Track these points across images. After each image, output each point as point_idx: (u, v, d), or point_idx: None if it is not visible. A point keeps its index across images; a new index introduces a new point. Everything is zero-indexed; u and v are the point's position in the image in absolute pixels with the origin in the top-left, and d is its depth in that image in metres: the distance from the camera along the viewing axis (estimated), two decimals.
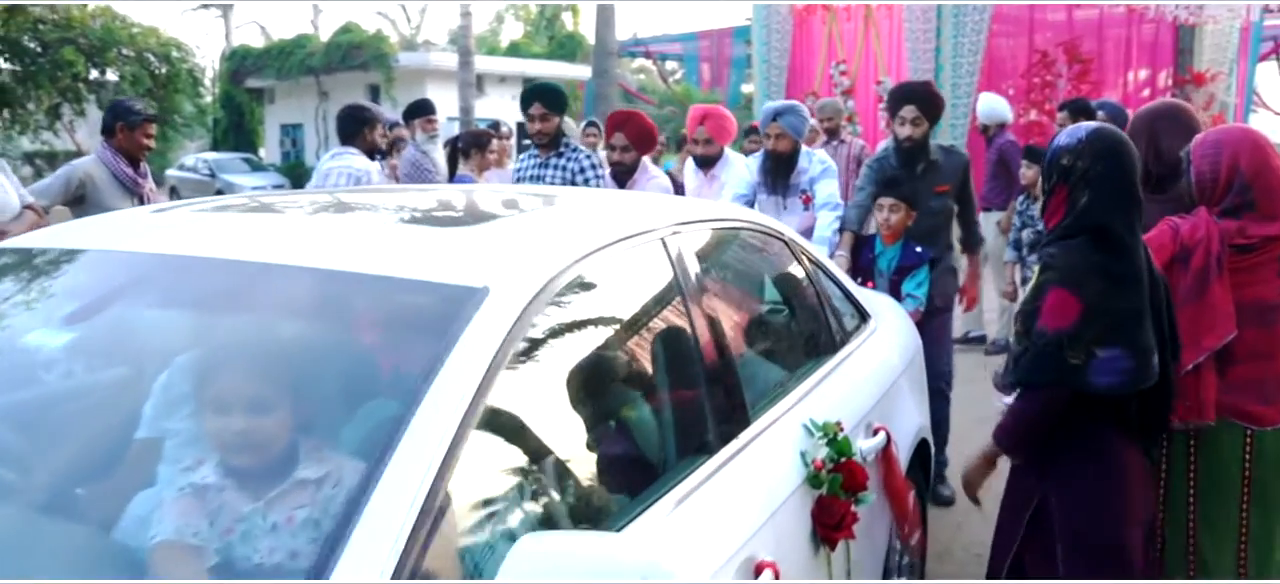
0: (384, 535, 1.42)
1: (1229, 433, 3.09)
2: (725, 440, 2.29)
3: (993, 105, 8.78)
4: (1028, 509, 2.80)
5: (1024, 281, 6.57)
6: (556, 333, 1.98)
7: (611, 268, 2.23)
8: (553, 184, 5.44)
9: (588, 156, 5.49)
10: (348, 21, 32.00)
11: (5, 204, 4.75)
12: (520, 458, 1.82)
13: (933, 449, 4.00)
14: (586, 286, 2.11)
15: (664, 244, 2.44)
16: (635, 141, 5.45)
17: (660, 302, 2.42)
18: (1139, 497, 2.78)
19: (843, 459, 2.55)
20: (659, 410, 2.31)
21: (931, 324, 4.98)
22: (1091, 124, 2.85)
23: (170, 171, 31.16)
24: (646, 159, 5.72)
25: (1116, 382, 2.60)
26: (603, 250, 2.20)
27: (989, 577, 3.00)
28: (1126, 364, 2.59)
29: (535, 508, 1.79)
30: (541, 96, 5.50)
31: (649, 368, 2.35)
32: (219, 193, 26.30)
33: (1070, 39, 13.09)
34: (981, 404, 6.56)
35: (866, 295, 3.97)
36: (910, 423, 3.54)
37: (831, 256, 4.84)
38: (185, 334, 2.06)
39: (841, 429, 2.62)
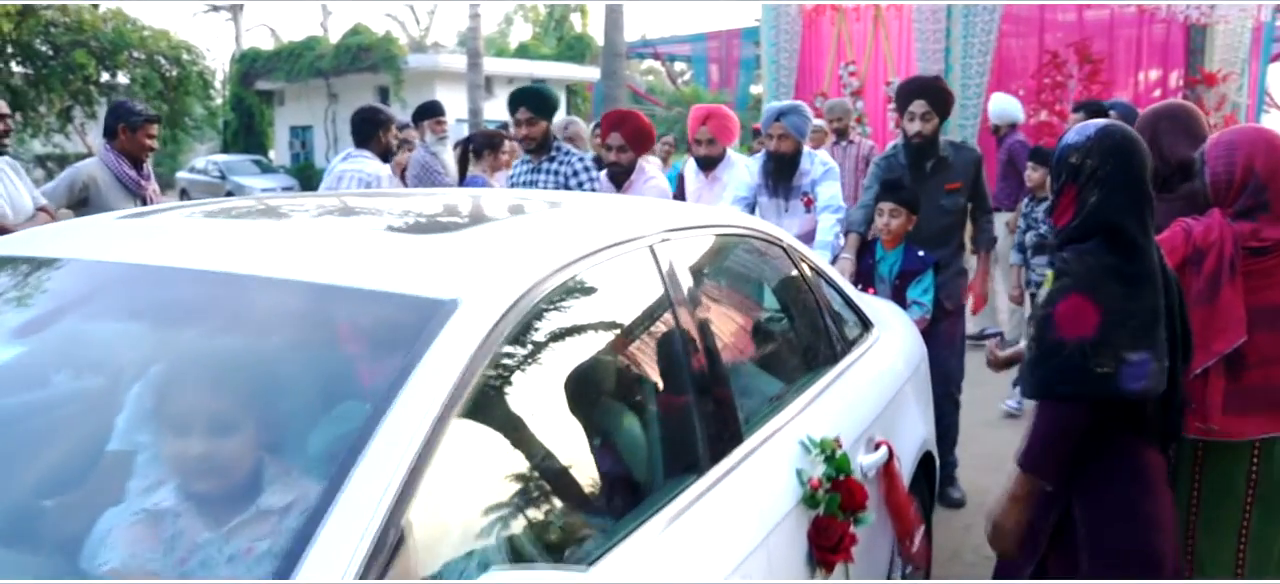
0: (337, 566, 1.33)
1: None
2: (716, 459, 2.18)
3: (1004, 105, 8.73)
4: (1050, 517, 2.66)
5: (1028, 285, 6.49)
6: (533, 347, 1.88)
7: (595, 278, 2.12)
8: (546, 189, 5.32)
9: (580, 158, 5.38)
10: (357, 23, 32.14)
11: (18, 206, 4.73)
12: (492, 481, 1.71)
13: (937, 461, 3.88)
14: (567, 298, 2.00)
15: (652, 252, 2.33)
16: (631, 141, 5.35)
17: (647, 313, 2.30)
18: (1166, 502, 2.67)
19: (841, 477, 2.45)
20: (645, 429, 2.19)
21: (941, 328, 4.88)
22: (1100, 121, 2.73)
23: (180, 174, 31.33)
24: (648, 160, 5.63)
25: (1148, 386, 2.49)
26: (585, 259, 2.09)
27: (995, 576, 2.90)
28: (1154, 366, 2.49)
29: (508, 535, 1.68)
30: (527, 100, 5.38)
31: (634, 384, 2.24)
32: (229, 195, 26.38)
33: (1081, 39, 13.00)
34: (990, 407, 6.54)
35: (870, 303, 3.85)
36: (914, 435, 3.43)
37: (834, 261, 4.75)
38: (140, 348, 1.95)
39: (840, 446, 2.51)
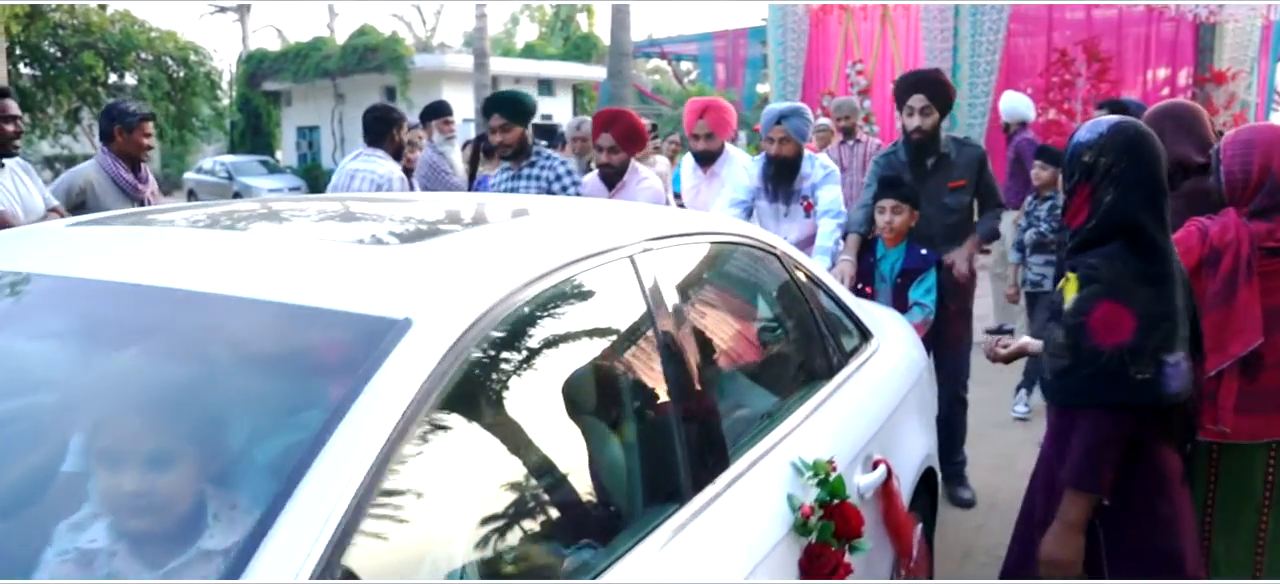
0: None
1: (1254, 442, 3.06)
2: (700, 486, 2.04)
3: (1015, 103, 8.76)
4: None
5: (1024, 283, 6.41)
6: (496, 371, 1.74)
7: (568, 293, 1.98)
8: (527, 195, 5.16)
9: (562, 163, 5.24)
10: (363, 24, 32.18)
11: (30, 207, 4.69)
12: (448, 518, 1.57)
13: (939, 476, 3.75)
14: (536, 316, 1.86)
15: (633, 263, 2.18)
16: (623, 142, 5.17)
17: (626, 330, 2.16)
18: (1184, 501, 2.63)
19: (835, 501, 2.30)
20: (621, 456, 2.04)
21: (947, 332, 4.76)
22: (1112, 117, 2.66)
23: (188, 174, 31.39)
24: (655, 160, 5.48)
25: (1184, 386, 2.45)
26: (557, 272, 1.94)
27: (1002, 576, 2.85)
28: (1186, 365, 2.46)
29: (467, 577, 1.55)
30: (501, 106, 5.24)
31: (610, 408, 2.09)
32: (237, 195, 26.40)
33: (1089, 38, 12.92)
34: (1000, 406, 6.48)
35: (869, 310, 3.69)
36: (915, 451, 3.28)
37: (833, 267, 4.63)
38: (56, 369, 1.80)
39: (834, 468, 2.36)
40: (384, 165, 5.50)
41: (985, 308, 7.95)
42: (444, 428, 1.57)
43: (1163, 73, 13.48)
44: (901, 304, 4.55)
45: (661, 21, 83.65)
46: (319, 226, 2.39)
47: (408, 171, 6.83)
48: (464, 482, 1.61)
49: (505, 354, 1.77)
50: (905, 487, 3.04)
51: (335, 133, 31.91)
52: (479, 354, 1.66)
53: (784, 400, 2.70)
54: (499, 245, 2.13)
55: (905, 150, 4.92)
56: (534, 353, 1.87)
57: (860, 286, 4.60)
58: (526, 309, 1.82)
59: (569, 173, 5.19)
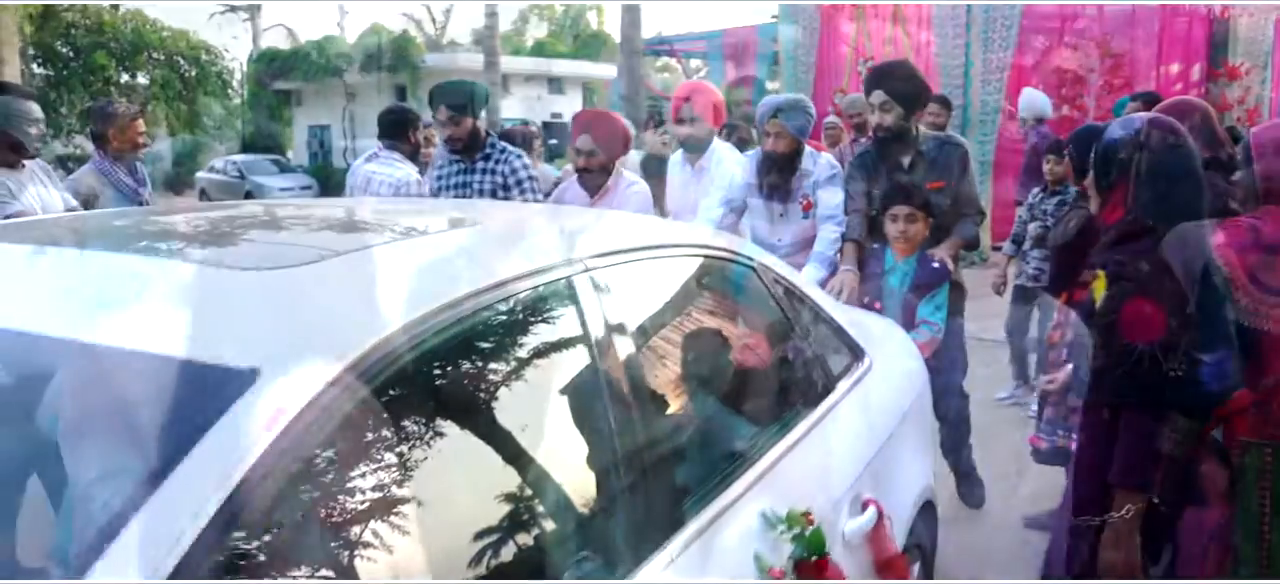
0: None
1: None
2: (645, 554, 1.71)
3: (1032, 100, 8.79)
4: (1094, 521, 2.55)
5: (1020, 276, 6.25)
6: (372, 432, 1.39)
7: (481, 326, 1.64)
8: (481, 193, 4.90)
9: (518, 156, 4.95)
10: (374, 23, 32.25)
11: (50, 208, 4.64)
12: None
13: (937, 510, 3.49)
14: (434, 359, 1.52)
15: (571, 286, 1.84)
16: (604, 144, 4.86)
17: (557, 369, 1.82)
18: (1216, 510, 2.59)
19: (812, 559, 2.01)
20: (542, 527, 1.69)
21: (941, 352, 4.56)
22: (1145, 114, 2.62)
23: (200, 174, 31.43)
24: (640, 166, 5.23)
25: (1231, 386, 2.41)
26: (468, 301, 1.59)
27: (1042, 577, 2.78)
28: (1232, 364, 2.42)
29: None
30: (444, 97, 4.94)
31: (527, 470, 1.70)
32: (248, 195, 26.42)
33: (1102, 34, 12.75)
34: (1010, 404, 6.28)
35: (862, 322, 3.33)
36: (913, 482, 2.98)
37: (828, 279, 4.33)
38: None
39: (811, 520, 2.04)
40: (401, 168, 5.34)
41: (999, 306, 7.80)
42: (295, 509, 1.25)
43: (1176, 68, 13.31)
44: (912, 322, 4.18)
45: (671, 19, 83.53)
46: (197, 242, 2.04)
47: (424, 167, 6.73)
48: (321, 577, 1.29)
49: (388, 410, 1.42)
50: (901, 523, 2.76)
51: (346, 132, 31.93)
52: (349, 411, 1.32)
53: (758, 438, 2.36)
54: (395, 269, 1.73)
55: (876, 149, 4.65)
56: (428, 405, 1.53)
57: (866, 302, 4.23)
58: (421, 351, 1.48)
59: (526, 167, 4.91)
